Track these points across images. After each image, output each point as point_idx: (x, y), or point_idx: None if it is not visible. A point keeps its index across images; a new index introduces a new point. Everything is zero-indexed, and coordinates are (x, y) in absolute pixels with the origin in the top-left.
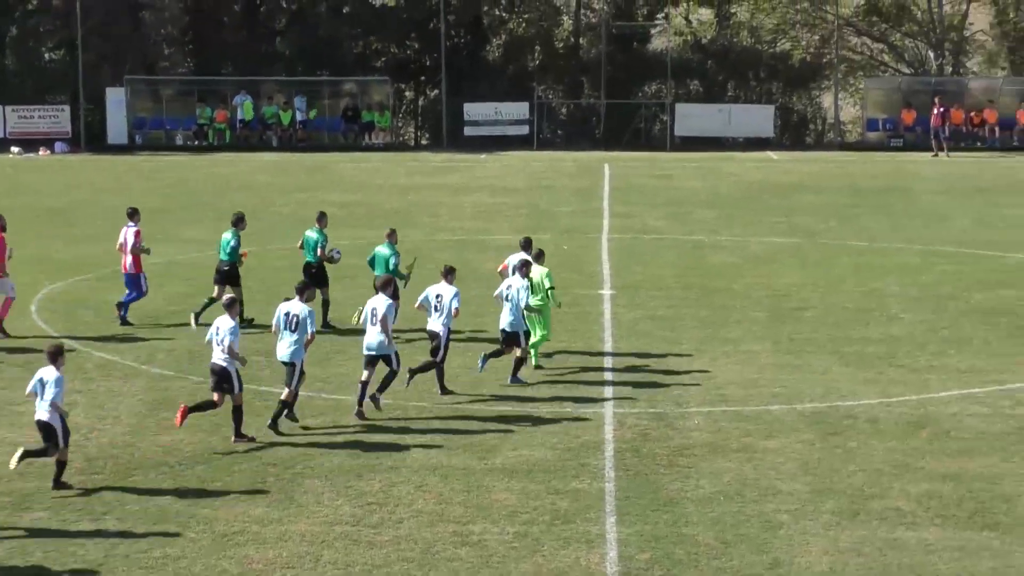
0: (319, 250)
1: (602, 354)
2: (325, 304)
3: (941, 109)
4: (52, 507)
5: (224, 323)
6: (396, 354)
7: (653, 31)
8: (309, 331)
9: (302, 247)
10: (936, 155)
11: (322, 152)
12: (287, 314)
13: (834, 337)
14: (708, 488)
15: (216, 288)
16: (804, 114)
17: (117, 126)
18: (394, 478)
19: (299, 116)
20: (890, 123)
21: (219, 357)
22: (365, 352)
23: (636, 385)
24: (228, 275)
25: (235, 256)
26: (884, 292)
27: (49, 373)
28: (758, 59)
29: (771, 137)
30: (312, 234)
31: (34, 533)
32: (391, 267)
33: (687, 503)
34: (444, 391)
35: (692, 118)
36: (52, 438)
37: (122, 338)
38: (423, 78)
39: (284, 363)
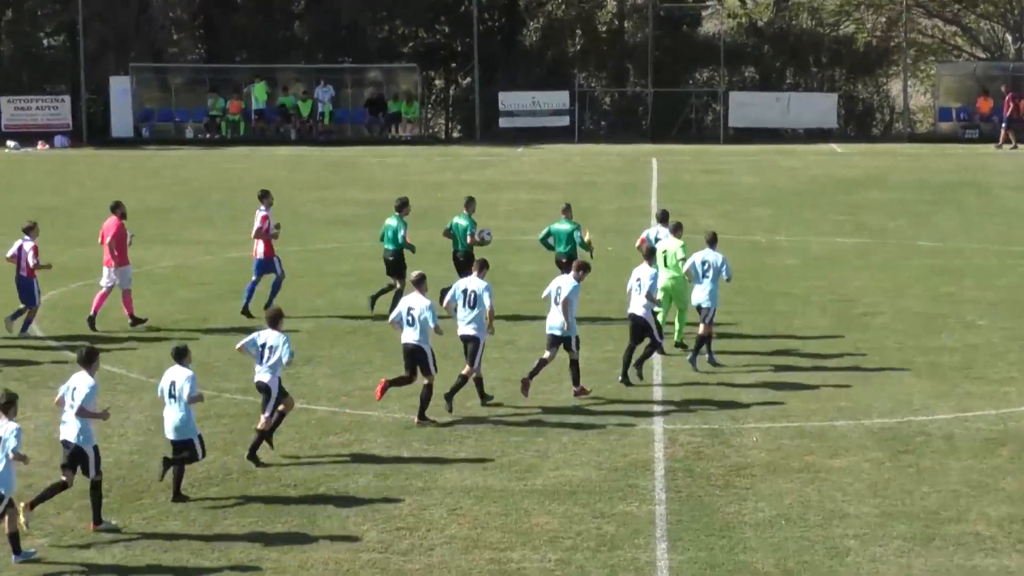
0: (469, 236)
1: (651, 365)
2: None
3: (1010, 95)
4: (53, 533)
5: (417, 301)
6: (576, 339)
7: (704, 13)
8: (487, 304)
9: (448, 234)
10: (1000, 146)
11: (345, 146)
12: (464, 290)
13: (904, 346)
14: (768, 511)
15: (395, 280)
16: (870, 103)
17: (122, 118)
18: (425, 501)
19: (321, 108)
20: (964, 112)
21: (411, 337)
22: (548, 332)
23: (688, 399)
24: (394, 264)
25: (401, 243)
26: (959, 297)
27: (271, 337)
28: (819, 43)
29: (834, 128)
30: (461, 220)
31: (34, 561)
32: (576, 240)
33: (745, 527)
34: (639, 377)
35: (747, 108)
36: (265, 403)
37: (128, 349)
38: (454, 65)
39: (467, 339)
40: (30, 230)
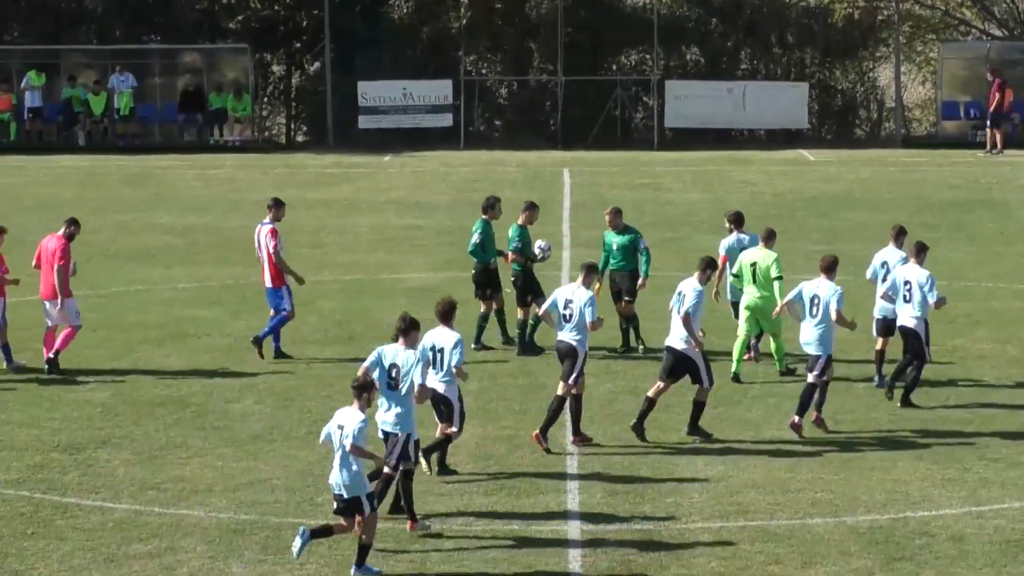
0: (509, 254)
1: (564, 448)
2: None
3: (997, 83)
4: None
5: (579, 293)
6: (829, 359)
7: None
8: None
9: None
10: (990, 151)
11: (152, 154)
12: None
13: (899, 417)
14: None
15: (482, 304)
16: (852, 96)
17: None
18: None
19: (118, 102)
20: (975, 108)
21: (567, 335)
22: (805, 348)
23: (613, 490)
24: (485, 283)
25: (478, 252)
26: (970, 352)
27: (444, 337)
28: (785, 17)
29: (805, 129)
30: (509, 232)
31: None
32: (643, 255)
33: None
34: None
35: (690, 102)
36: (448, 415)
37: None
38: (298, 46)
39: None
40: None
